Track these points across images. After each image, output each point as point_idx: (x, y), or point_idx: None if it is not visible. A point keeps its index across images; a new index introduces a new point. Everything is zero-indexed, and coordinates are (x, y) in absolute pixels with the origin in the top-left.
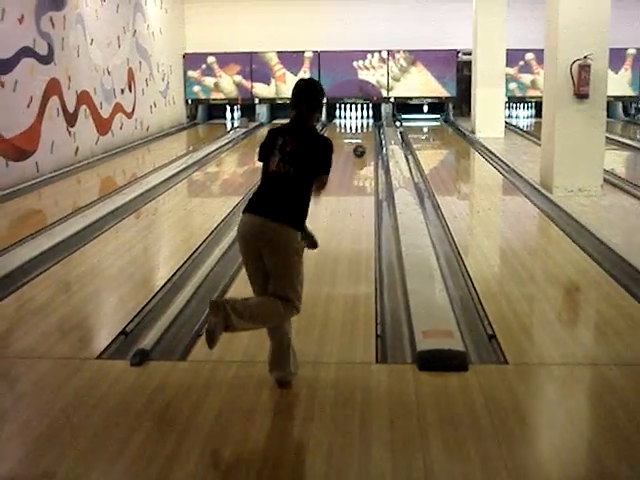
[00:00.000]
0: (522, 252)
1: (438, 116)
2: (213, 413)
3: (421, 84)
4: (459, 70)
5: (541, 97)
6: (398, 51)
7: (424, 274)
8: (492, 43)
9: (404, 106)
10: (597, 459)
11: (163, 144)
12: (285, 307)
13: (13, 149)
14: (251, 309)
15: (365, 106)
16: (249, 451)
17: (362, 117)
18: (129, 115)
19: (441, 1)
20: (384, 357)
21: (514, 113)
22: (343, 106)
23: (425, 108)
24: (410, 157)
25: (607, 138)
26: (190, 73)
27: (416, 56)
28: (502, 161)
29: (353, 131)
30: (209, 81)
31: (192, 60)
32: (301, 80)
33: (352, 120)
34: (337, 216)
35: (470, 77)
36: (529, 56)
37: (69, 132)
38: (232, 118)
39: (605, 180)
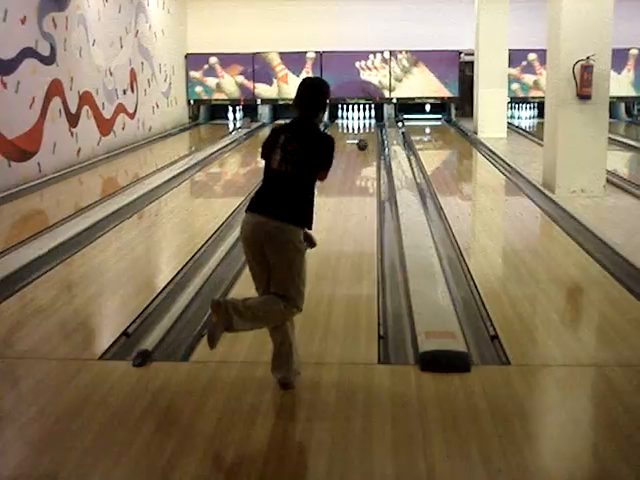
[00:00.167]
0: (524, 253)
1: (440, 116)
2: (215, 414)
3: (423, 84)
4: (461, 70)
5: (544, 97)
6: (400, 51)
7: (426, 275)
8: (494, 43)
9: (406, 106)
10: (599, 460)
11: (165, 145)
12: (286, 306)
13: (15, 150)
14: (252, 309)
15: (367, 106)
16: (251, 452)
17: (364, 117)
18: (131, 116)
19: (443, 1)
20: (386, 358)
21: (516, 113)
22: (345, 106)
23: (427, 108)
24: (412, 157)
25: (610, 139)
26: (192, 74)
27: (418, 56)
28: (504, 161)
29: (355, 131)
30: (211, 82)
31: (194, 61)
32: (307, 79)
33: (354, 120)
34: (339, 217)
35: (472, 77)
36: (531, 56)
37: (71, 133)
38: (234, 119)
39: (608, 181)
